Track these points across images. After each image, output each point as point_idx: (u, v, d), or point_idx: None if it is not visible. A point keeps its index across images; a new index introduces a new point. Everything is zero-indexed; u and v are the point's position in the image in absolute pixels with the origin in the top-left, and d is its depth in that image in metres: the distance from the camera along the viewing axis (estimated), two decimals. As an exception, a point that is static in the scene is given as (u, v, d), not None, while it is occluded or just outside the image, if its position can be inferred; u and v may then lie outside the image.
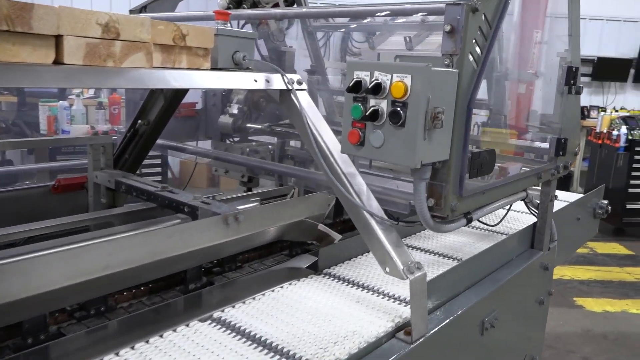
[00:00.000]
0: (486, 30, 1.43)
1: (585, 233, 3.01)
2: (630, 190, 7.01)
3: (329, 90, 2.79)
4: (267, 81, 1.57)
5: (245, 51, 1.68)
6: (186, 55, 1.45)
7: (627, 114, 8.14)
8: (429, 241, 2.17)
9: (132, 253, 1.27)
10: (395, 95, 1.27)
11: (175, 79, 1.30)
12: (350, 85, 1.34)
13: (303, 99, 1.61)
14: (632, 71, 9.61)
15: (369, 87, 1.29)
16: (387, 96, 1.30)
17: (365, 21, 2.57)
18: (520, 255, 2.16)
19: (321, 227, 1.79)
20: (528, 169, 1.87)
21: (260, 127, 2.55)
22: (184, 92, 2.06)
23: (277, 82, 1.61)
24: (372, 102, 1.34)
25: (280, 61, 2.89)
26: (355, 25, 2.70)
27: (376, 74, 1.32)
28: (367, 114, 1.31)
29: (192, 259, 1.48)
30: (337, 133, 1.67)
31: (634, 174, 7.02)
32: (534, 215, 2.24)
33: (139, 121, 2.07)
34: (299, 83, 1.63)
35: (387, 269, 1.41)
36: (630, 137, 7.00)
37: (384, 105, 1.31)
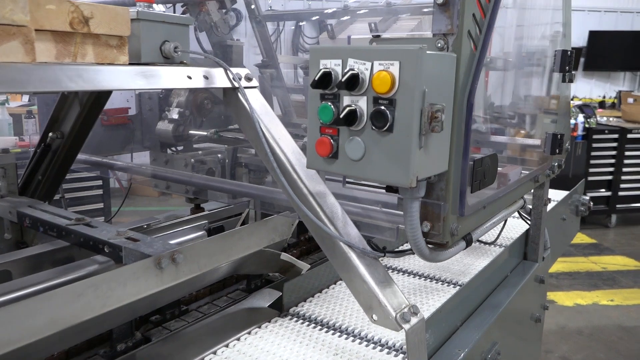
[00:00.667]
0: (484, 4, 1.11)
1: (570, 234, 2.78)
2: (590, 178, 6.98)
3: (285, 87, 2.44)
4: (206, 78, 1.20)
5: (178, 41, 1.31)
6: (92, 45, 1.07)
7: (581, 102, 8.15)
8: (407, 258, 1.86)
9: (23, 327, 0.89)
10: (378, 90, 0.94)
11: (72, 78, 0.93)
12: (316, 78, 0.99)
13: (254, 99, 1.26)
14: (582, 60, 9.68)
15: (342, 80, 0.95)
16: (368, 91, 0.97)
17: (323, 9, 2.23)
18: (514, 270, 1.88)
19: (284, 256, 1.44)
20: (527, 172, 1.57)
21: (205, 133, 2.18)
22: (105, 95, 1.67)
23: (220, 78, 1.25)
24: (346, 100, 1.00)
25: (226, 57, 2.52)
26: (310, 12, 2.36)
27: (351, 62, 0.98)
28: (341, 116, 0.97)
29: (116, 318, 1.10)
30: (296, 138, 1.33)
31: (592, 162, 7.00)
32: (525, 222, 1.96)
33: (50, 134, 1.66)
34: (248, 79, 1.28)
35: (375, 317, 1.07)
36: (587, 126, 6.97)
37: (363, 104, 0.98)
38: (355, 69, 0.97)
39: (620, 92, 8.65)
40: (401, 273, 1.74)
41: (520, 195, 1.57)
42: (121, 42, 1.13)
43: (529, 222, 1.95)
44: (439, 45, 1.04)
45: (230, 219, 1.86)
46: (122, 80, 1.04)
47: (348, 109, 0.97)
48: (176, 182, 1.69)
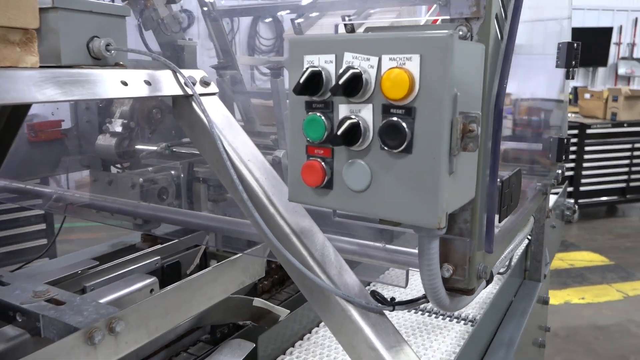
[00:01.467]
0: (509, -19, 0.86)
1: (557, 241, 2.60)
2: (554, 174, 6.96)
3: (246, 90, 2.15)
4: (149, 83, 0.91)
5: (111, 37, 1.01)
6: (-16, 42, 0.76)
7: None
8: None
9: None
10: (390, 96, 0.67)
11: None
12: (301, 81, 0.72)
13: (213, 109, 0.97)
14: (537, 56, 9.72)
15: (339, 82, 0.68)
16: (374, 97, 0.70)
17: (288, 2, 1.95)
18: (517, 292, 1.65)
19: (258, 302, 1.16)
20: (539, 184, 1.35)
21: (155, 148, 1.86)
22: (23, 106, 1.34)
23: (167, 84, 0.95)
24: (343, 109, 0.73)
25: (177, 59, 2.20)
26: (273, 6, 2.08)
27: (348, 57, 0.71)
28: (339, 132, 0.69)
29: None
30: (261, 149, 1.05)
31: (555, 158, 6.97)
32: (526, 237, 1.74)
33: (-45, 157, 1.32)
34: (205, 84, 0.99)
35: (386, 394, 0.81)
36: (548, 122, 6.94)
37: (367, 115, 0.71)
38: (356, 67, 0.70)
39: (576, 88, 8.73)
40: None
41: (532, 212, 1.34)
42: (27, 37, 0.82)
43: (529, 237, 1.73)
44: (461, 33, 0.78)
45: (189, 250, 1.55)
46: (25, 90, 0.73)
47: (348, 122, 0.69)
48: (118, 212, 1.38)
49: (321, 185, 0.76)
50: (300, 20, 1.88)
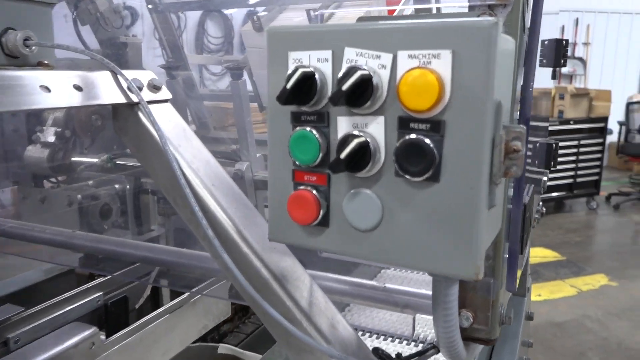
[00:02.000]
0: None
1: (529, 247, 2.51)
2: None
3: (199, 92, 1.93)
4: (79, 89, 0.70)
5: (32, 29, 0.79)
6: None
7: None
8: (358, 312, 1.42)
9: None
10: (411, 105, 0.50)
11: None
12: (289, 85, 0.53)
13: (165, 120, 0.77)
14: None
15: (343, 87, 0.50)
16: (388, 107, 0.52)
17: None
18: (504, 311, 1.52)
19: (224, 348, 0.96)
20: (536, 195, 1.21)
21: (95, 160, 1.62)
22: None
23: (106, 88, 0.74)
24: (344, 123, 0.55)
25: (119, 58, 1.96)
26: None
27: (350, 53, 0.53)
28: (343, 155, 0.51)
29: None
30: (220, 160, 0.86)
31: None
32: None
33: None
34: (154, 88, 0.78)
35: None
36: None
37: (377, 130, 0.53)
38: (364, 67, 0.52)
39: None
40: (360, 332, 1.31)
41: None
42: None
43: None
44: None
45: (140, 279, 1.33)
46: None
47: (355, 142, 0.51)
48: (48, 243, 1.14)
49: (314, 222, 0.58)
50: (263, 13, 1.69)
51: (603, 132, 6.89)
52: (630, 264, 5.60)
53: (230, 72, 1.40)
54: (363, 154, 0.52)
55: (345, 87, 0.50)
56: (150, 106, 0.75)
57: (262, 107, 1.88)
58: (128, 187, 1.94)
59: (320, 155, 0.56)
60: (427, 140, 0.50)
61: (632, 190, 6.51)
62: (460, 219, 0.51)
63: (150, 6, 1.99)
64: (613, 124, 7.27)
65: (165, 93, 0.79)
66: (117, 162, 1.63)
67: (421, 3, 1.41)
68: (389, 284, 0.77)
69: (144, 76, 0.79)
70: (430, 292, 0.66)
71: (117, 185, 1.76)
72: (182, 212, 0.73)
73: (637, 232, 6.46)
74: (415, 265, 0.55)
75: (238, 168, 1.38)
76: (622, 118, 7.31)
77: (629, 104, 6.83)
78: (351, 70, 0.51)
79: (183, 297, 1.01)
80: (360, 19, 0.70)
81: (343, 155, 0.51)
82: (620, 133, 6.87)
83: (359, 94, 0.51)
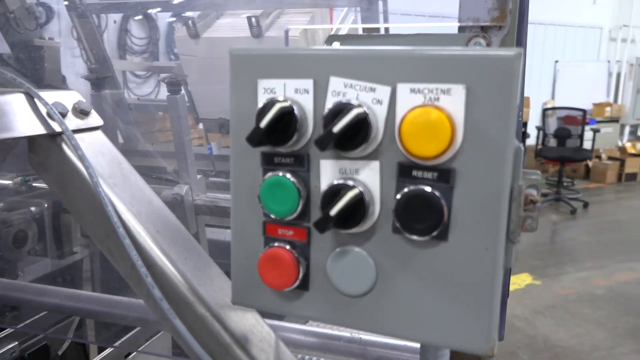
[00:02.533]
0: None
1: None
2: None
3: (126, 103, 1.75)
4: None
5: None
6: None
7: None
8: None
9: None
10: (416, 150, 0.41)
11: None
12: (264, 123, 0.43)
13: (98, 154, 0.64)
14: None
15: (335, 129, 0.40)
16: (384, 150, 0.43)
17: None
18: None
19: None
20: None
21: (8, 182, 1.42)
22: None
23: (18, 115, 0.60)
24: (329, 167, 0.45)
25: (34, 65, 1.75)
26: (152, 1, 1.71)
27: (337, 84, 0.44)
28: (334, 212, 0.42)
29: None
30: (148, 178, 0.74)
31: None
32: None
33: None
34: (82, 113, 0.65)
35: None
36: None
37: (370, 178, 0.44)
38: (354, 101, 0.42)
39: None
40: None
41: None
42: None
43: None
44: (478, 48, 0.54)
45: (58, 324, 1.16)
46: None
47: (350, 195, 0.42)
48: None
49: (293, 286, 0.47)
50: (206, 19, 1.55)
51: (523, 136, 7.20)
52: (550, 263, 5.87)
53: (167, 86, 1.26)
54: (356, 209, 0.43)
55: (337, 129, 0.40)
56: (77, 136, 0.62)
57: (199, 119, 1.75)
58: (46, 210, 1.74)
59: (301, 204, 0.46)
60: (437, 194, 0.41)
61: (549, 191, 6.85)
62: (473, 284, 0.43)
63: (66, 2, 1.79)
64: (531, 129, 7.63)
65: (95, 119, 0.66)
66: (33, 184, 1.44)
67: (369, 22, 1.33)
68: (365, 335, 0.68)
69: (68, 98, 0.65)
70: (413, 344, 0.57)
71: (33, 209, 1.56)
72: (120, 265, 0.60)
73: (554, 231, 6.79)
74: (416, 337, 0.46)
75: (177, 192, 1.24)
76: (539, 123, 7.69)
77: (544, 110, 7.19)
78: (342, 108, 0.42)
79: (112, 350, 0.87)
80: (330, 38, 0.60)
81: (334, 211, 0.41)
82: (537, 137, 7.21)
83: (351, 135, 0.42)
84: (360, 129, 0.42)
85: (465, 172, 0.41)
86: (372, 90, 0.43)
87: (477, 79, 0.40)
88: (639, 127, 8.86)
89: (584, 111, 6.52)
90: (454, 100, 0.40)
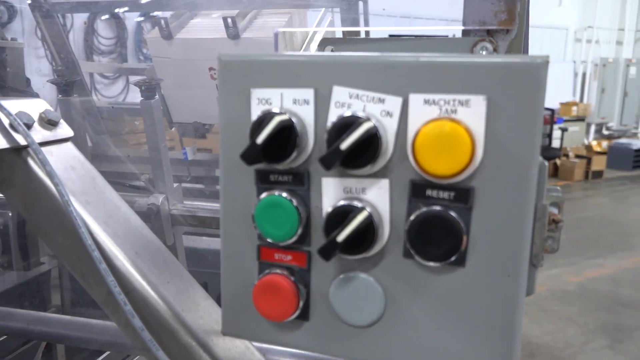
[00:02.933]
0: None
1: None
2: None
3: (94, 106, 1.67)
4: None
5: None
6: None
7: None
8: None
9: None
10: (431, 168, 0.37)
11: None
12: (261, 139, 0.38)
13: (68, 168, 0.58)
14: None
15: (342, 146, 0.36)
16: (393, 167, 0.39)
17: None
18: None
19: None
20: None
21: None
22: None
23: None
24: (332, 186, 0.41)
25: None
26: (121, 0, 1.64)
27: (340, 94, 0.39)
28: (341, 237, 0.37)
29: None
30: (121, 188, 0.69)
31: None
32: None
33: None
34: (50, 124, 0.59)
35: None
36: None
37: (379, 198, 0.40)
38: (360, 114, 0.38)
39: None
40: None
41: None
42: None
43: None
44: (484, 53, 0.51)
45: (25, 346, 1.08)
46: None
47: (359, 218, 0.37)
48: None
49: (293, 316, 0.43)
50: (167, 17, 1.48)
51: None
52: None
53: (141, 90, 1.20)
54: (364, 233, 0.38)
55: (344, 145, 0.36)
56: (45, 149, 0.56)
57: (172, 122, 1.68)
58: (11, 214, 1.64)
59: (299, 228, 0.41)
60: (452, 213, 0.38)
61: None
62: (492, 314, 0.39)
63: (30, 1, 1.70)
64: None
65: (64, 129, 0.60)
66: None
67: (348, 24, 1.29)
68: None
69: (33, 107, 0.59)
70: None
71: (-3, 220, 1.48)
72: (95, 292, 0.54)
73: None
74: (433, 371, 0.42)
75: (152, 202, 1.17)
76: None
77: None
78: (350, 121, 0.37)
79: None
80: (323, 41, 0.56)
81: (341, 237, 0.37)
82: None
83: (358, 152, 0.38)
84: (369, 144, 0.37)
85: (485, 191, 0.38)
86: (381, 101, 0.39)
87: (500, 89, 0.36)
88: (604, 125, 9.09)
89: (552, 110, 6.64)
90: (473, 112, 0.37)
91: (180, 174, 1.71)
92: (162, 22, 1.42)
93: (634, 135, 9.20)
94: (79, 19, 5.98)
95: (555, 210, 0.41)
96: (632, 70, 8.75)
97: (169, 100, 1.59)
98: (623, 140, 8.49)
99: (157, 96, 1.20)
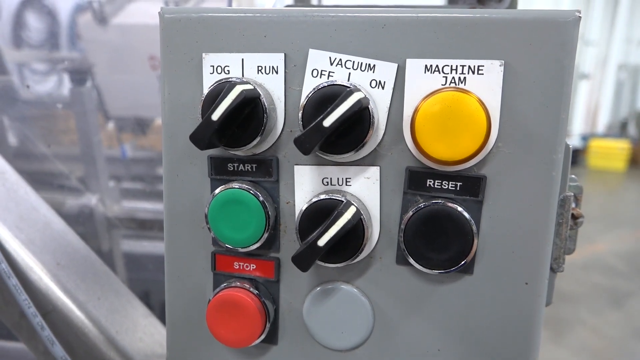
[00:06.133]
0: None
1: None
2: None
3: (19, 99, 1.50)
4: None
5: None
6: None
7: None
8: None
9: None
10: (435, 152, 0.29)
11: None
12: (217, 115, 0.29)
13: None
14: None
15: (324, 122, 0.28)
16: (385, 151, 0.31)
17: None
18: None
19: None
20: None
21: None
22: None
23: None
24: (309, 175, 0.32)
25: None
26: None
27: (318, 60, 0.31)
28: (323, 242, 0.29)
29: None
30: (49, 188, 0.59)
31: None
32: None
33: None
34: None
35: None
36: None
37: (366, 189, 0.32)
38: (346, 83, 0.30)
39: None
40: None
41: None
42: None
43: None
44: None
45: None
46: None
47: (346, 216, 0.29)
48: None
49: (259, 338, 0.34)
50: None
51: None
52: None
53: (70, 76, 1.06)
54: (350, 235, 0.30)
55: (328, 122, 0.27)
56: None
57: (108, 116, 1.53)
58: None
59: (266, 230, 0.33)
60: (459, 209, 0.30)
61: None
62: (506, 330, 0.32)
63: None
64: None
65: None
66: None
67: None
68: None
69: None
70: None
71: None
72: (5, 314, 0.43)
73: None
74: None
75: (84, 203, 1.04)
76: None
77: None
78: (335, 92, 0.29)
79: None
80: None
81: (323, 241, 0.29)
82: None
83: (344, 132, 0.29)
84: (357, 122, 0.29)
85: (499, 181, 0.30)
86: (371, 68, 0.30)
87: (520, 53, 0.29)
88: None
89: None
90: (487, 82, 0.29)
91: (119, 173, 1.57)
92: (95, 4, 1.29)
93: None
94: (5, 11, 5.58)
95: (578, 209, 0.34)
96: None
97: (105, 92, 1.45)
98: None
99: (88, 83, 1.07)
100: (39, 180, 1.09)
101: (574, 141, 6.61)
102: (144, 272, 1.31)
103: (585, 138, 6.35)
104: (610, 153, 5.92)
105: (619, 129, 6.60)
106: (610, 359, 2.65)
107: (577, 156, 6.04)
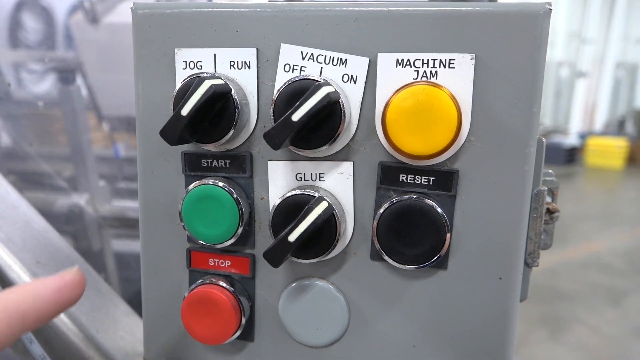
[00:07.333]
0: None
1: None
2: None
3: (12, 99, 1.50)
4: None
5: None
6: None
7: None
8: None
9: None
10: (406, 146, 0.29)
11: None
12: (187, 110, 0.29)
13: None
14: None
15: (293, 116, 0.27)
16: (358, 147, 0.31)
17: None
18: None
19: None
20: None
21: None
22: None
23: None
24: (282, 173, 0.32)
25: None
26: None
27: (290, 54, 0.31)
28: (293, 237, 0.29)
29: None
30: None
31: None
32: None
33: None
34: None
35: None
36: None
37: (340, 187, 0.32)
38: (318, 78, 0.30)
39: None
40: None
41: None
42: None
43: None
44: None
45: None
46: None
47: (316, 212, 0.29)
48: None
49: (233, 336, 0.34)
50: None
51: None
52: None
53: (59, 74, 1.06)
54: (323, 230, 0.30)
55: (297, 116, 0.27)
56: None
57: (102, 117, 1.53)
58: None
59: (240, 226, 0.32)
60: (431, 203, 0.30)
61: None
62: (481, 325, 0.32)
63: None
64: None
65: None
66: None
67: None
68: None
69: None
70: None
71: None
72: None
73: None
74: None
75: (74, 203, 1.04)
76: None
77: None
78: (304, 86, 0.29)
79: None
80: None
81: (293, 236, 0.28)
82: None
83: (315, 126, 0.29)
84: (328, 116, 0.29)
85: (472, 175, 0.30)
86: (343, 62, 0.30)
87: (491, 46, 0.29)
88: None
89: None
90: (458, 75, 0.29)
91: (113, 173, 1.57)
92: (87, 3, 1.29)
93: (563, 132, 9.60)
94: (2, 10, 5.57)
95: (549, 199, 0.34)
96: (563, 71, 9.15)
97: (97, 92, 1.45)
98: (555, 140, 8.84)
99: (77, 82, 1.07)
100: (30, 180, 1.08)
101: (572, 139, 6.62)
102: (136, 271, 1.31)
103: (583, 136, 6.36)
104: (608, 151, 5.93)
105: (617, 127, 6.60)
106: (608, 357, 2.65)
107: (574, 154, 6.05)
